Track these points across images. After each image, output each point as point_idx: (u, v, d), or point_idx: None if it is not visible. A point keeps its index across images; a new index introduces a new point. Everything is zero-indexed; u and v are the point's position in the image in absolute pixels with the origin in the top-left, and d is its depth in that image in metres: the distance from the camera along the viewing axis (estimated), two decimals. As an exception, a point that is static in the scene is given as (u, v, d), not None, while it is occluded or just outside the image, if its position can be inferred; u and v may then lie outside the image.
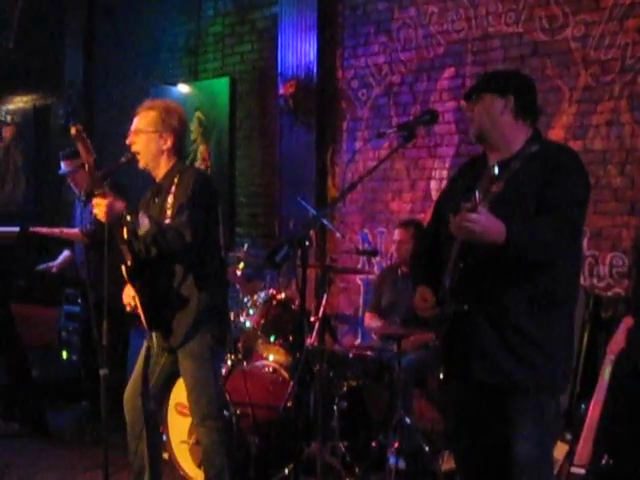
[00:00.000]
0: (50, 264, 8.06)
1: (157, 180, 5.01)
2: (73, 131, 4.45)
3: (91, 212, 7.01)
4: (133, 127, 4.96)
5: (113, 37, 11.06)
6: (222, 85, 9.57)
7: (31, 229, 7.59)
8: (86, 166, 4.49)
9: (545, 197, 3.63)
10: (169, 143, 4.93)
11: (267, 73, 9.11)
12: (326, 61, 8.47)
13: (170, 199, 4.82)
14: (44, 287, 8.60)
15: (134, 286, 4.77)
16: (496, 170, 3.40)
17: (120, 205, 4.54)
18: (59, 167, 7.59)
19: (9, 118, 12.83)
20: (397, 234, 6.93)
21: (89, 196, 6.12)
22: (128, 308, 4.93)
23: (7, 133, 12.82)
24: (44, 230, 7.54)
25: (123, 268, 4.70)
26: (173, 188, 4.85)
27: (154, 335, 4.99)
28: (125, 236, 4.57)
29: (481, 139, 3.94)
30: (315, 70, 8.41)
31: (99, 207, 4.49)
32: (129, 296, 4.88)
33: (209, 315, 4.89)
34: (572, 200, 3.65)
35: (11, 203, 12.64)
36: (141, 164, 4.96)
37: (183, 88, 9.87)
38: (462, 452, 4.09)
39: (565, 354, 3.84)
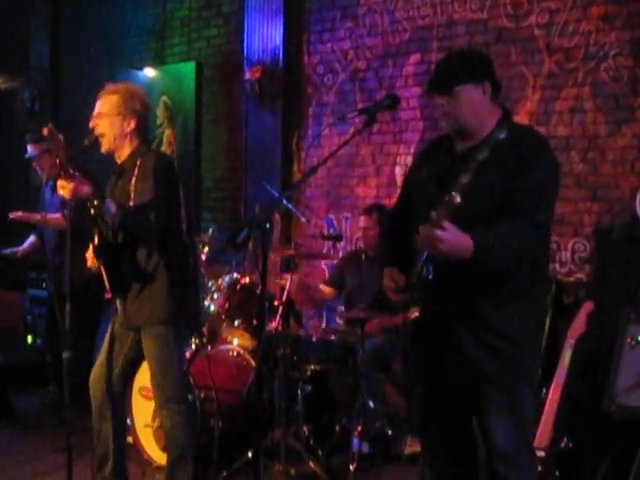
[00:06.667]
0: (15, 249, 8.00)
1: (119, 162, 5.01)
2: (45, 132, 4.50)
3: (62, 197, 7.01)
4: (96, 111, 4.95)
5: (79, 20, 11.00)
6: (188, 69, 9.54)
7: (11, 215, 7.47)
8: (57, 161, 4.50)
9: (512, 195, 3.56)
10: (132, 125, 4.93)
11: (233, 58, 9.09)
12: (292, 46, 8.48)
13: (133, 181, 4.82)
14: (9, 271, 8.56)
15: (100, 262, 4.78)
16: (458, 199, 3.37)
17: (87, 189, 4.53)
18: (25, 150, 7.54)
19: (-27, 101, 12.73)
20: (362, 220, 6.96)
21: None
22: (90, 265, 4.90)
23: (-29, 117, 12.72)
24: (25, 216, 7.45)
25: (90, 245, 4.75)
26: (136, 171, 4.84)
27: (119, 314, 5.00)
28: (93, 214, 4.59)
29: (460, 132, 3.80)
30: (281, 55, 8.42)
31: (64, 189, 4.50)
32: (91, 256, 4.85)
33: (173, 297, 4.89)
34: (540, 199, 3.59)
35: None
36: (104, 147, 4.94)
37: (149, 72, 9.84)
38: (431, 440, 4.10)
39: (534, 342, 3.85)
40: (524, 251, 3.55)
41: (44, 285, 8.76)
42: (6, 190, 11.85)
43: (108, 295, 5.54)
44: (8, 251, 8.01)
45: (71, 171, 4.49)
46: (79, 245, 4.76)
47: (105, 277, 4.83)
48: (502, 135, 3.71)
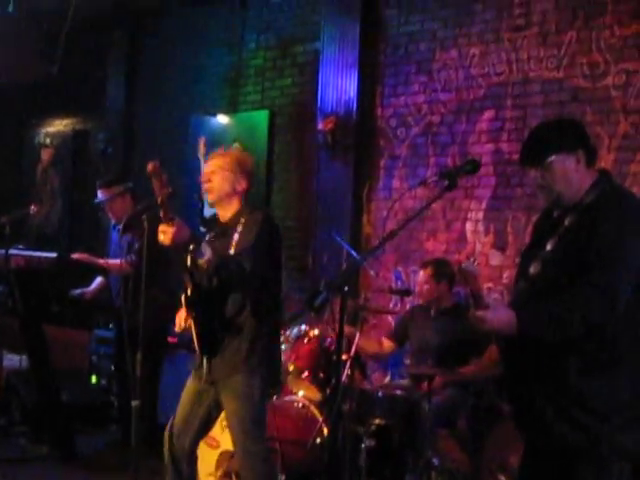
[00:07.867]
0: (84, 290, 8.06)
1: (223, 221, 5.07)
2: (150, 167, 4.53)
3: (129, 242, 7.08)
4: (209, 168, 5.05)
5: (155, 65, 11.17)
6: (261, 118, 9.62)
7: (73, 256, 7.52)
8: (158, 199, 4.56)
9: (583, 256, 3.49)
10: (243, 185, 5.05)
11: (306, 108, 9.14)
12: (366, 98, 8.51)
13: (236, 237, 4.90)
14: (76, 312, 8.65)
15: (191, 314, 4.79)
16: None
17: (187, 233, 4.61)
18: (96, 192, 7.61)
19: (48, 141, 12.94)
20: (420, 275, 6.96)
21: (126, 227, 6.23)
22: (178, 329, 4.93)
23: (45, 155, 12.95)
24: (87, 259, 7.49)
25: (182, 296, 4.78)
26: (239, 227, 4.92)
27: (201, 370, 4.97)
28: (188, 264, 4.64)
29: (558, 202, 3.74)
30: (355, 107, 8.45)
31: (166, 234, 4.52)
32: (181, 318, 4.87)
33: (260, 354, 4.92)
34: (605, 259, 3.45)
35: (46, 225, 12.75)
36: (211, 198, 5.02)
37: (222, 119, 9.94)
38: None
39: (632, 418, 3.55)
40: (582, 320, 3.43)
41: (110, 326, 8.84)
42: (77, 230, 12.03)
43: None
44: (77, 292, 8.08)
45: (170, 215, 4.56)
46: (141, 290, 4.80)
47: (195, 335, 4.83)
48: (590, 198, 3.66)
